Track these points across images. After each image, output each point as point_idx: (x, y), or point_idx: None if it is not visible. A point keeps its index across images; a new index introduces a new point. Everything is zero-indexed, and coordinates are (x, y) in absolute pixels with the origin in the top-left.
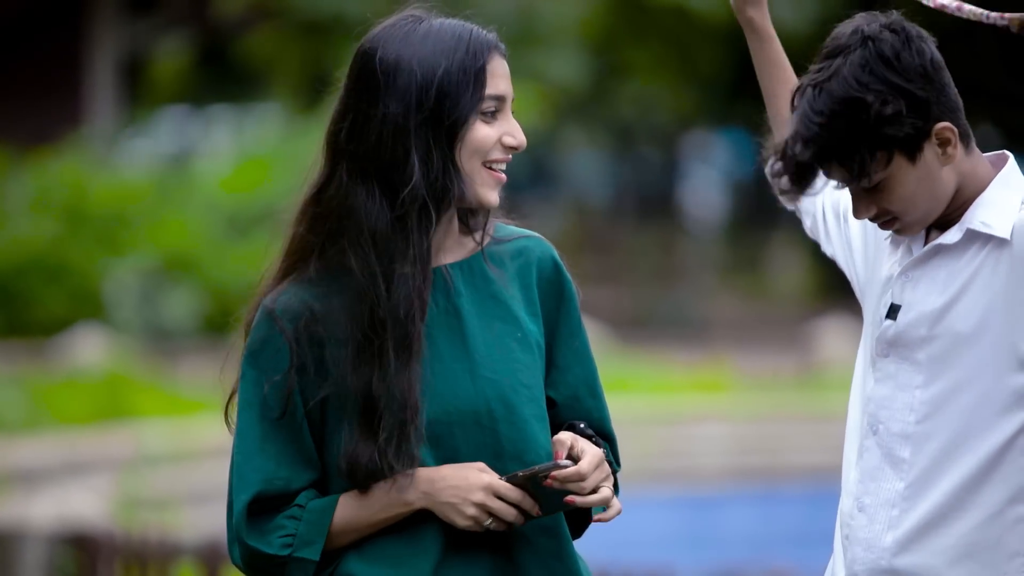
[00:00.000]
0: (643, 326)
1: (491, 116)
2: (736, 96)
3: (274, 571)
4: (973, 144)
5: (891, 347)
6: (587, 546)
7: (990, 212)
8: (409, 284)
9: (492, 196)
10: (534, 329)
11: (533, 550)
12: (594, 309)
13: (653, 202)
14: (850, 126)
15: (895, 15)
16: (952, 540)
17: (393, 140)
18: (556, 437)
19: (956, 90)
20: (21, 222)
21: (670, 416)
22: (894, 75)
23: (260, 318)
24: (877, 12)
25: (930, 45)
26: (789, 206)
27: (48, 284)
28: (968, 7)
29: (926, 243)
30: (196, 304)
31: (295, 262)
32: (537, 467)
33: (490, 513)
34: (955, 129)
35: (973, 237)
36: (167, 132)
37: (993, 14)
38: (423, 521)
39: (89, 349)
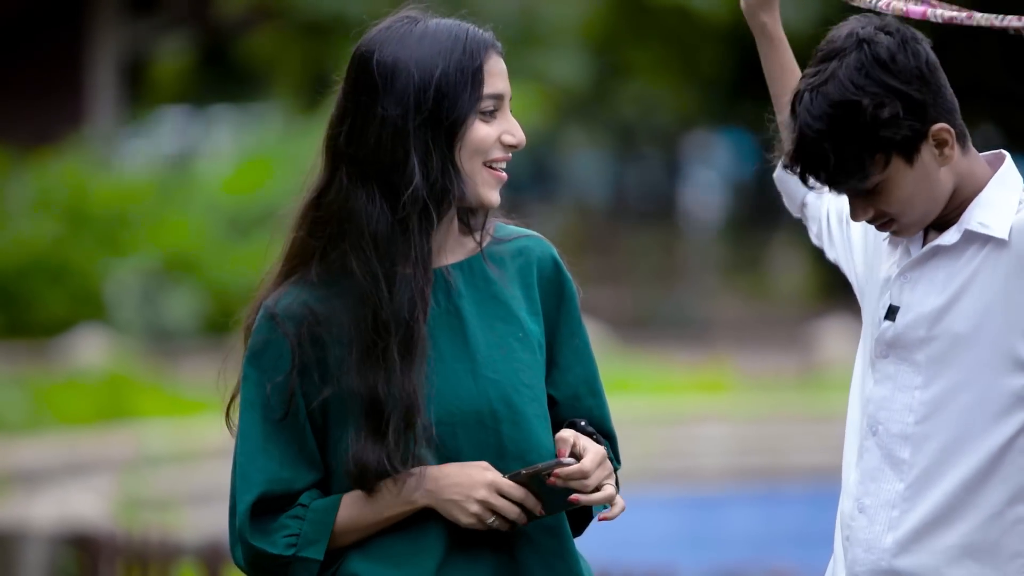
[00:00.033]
0: (644, 326)
1: (490, 115)
2: (737, 97)
3: (278, 571)
4: (970, 144)
5: (890, 348)
6: (588, 546)
7: (988, 213)
8: (411, 285)
9: (493, 195)
10: (535, 329)
11: (535, 549)
12: (595, 309)
13: (654, 202)
14: (847, 129)
15: (889, 17)
16: (952, 541)
17: (392, 142)
18: (558, 435)
19: (952, 91)
20: (22, 222)
21: (671, 416)
22: (890, 77)
23: (261, 320)
24: (871, 14)
25: (925, 46)
26: (796, 214)
27: (49, 284)
28: (979, 15)
29: (924, 244)
30: (197, 304)
31: (296, 265)
32: (540, 465)
33: (493, 511)
34: (952, 130)
35: (971, 238)
36: (168, 132)
37: (1008, 17)
38: (426, 520)
39: (90, 349)
